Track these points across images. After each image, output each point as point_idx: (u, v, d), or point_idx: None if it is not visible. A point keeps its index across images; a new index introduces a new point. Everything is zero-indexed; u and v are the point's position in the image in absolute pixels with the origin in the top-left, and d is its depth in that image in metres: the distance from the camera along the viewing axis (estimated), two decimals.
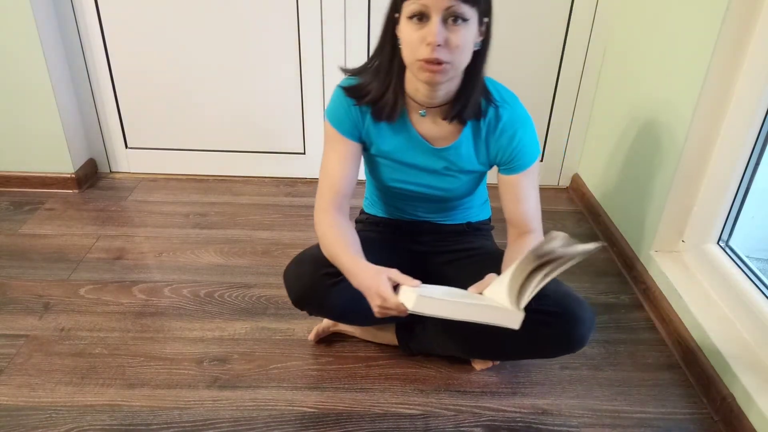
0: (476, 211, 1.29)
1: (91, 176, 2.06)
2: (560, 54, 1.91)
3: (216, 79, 1.93)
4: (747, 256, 1.37)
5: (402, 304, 0.92)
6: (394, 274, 0.96)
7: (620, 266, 1.69)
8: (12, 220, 1.80)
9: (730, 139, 1.34)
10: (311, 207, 1.94)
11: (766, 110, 1.27)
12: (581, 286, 1.59)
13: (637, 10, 1.68)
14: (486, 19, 0.97)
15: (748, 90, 1.28)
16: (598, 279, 1.64)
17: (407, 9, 0.93)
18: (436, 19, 0.91)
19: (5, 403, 1.16)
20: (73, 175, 1.96)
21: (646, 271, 1.55)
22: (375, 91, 1.05)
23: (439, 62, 0.93)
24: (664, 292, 1.46)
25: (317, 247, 1.14)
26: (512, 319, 0.88)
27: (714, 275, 1.39)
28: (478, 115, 1.06)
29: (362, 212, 1.35)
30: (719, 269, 1.38)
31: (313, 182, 2.11)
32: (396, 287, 0.96)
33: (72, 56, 1.88)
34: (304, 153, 2.09)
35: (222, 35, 1.86)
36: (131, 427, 1.12)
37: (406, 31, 0.95)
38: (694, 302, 1.36)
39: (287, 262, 1.16)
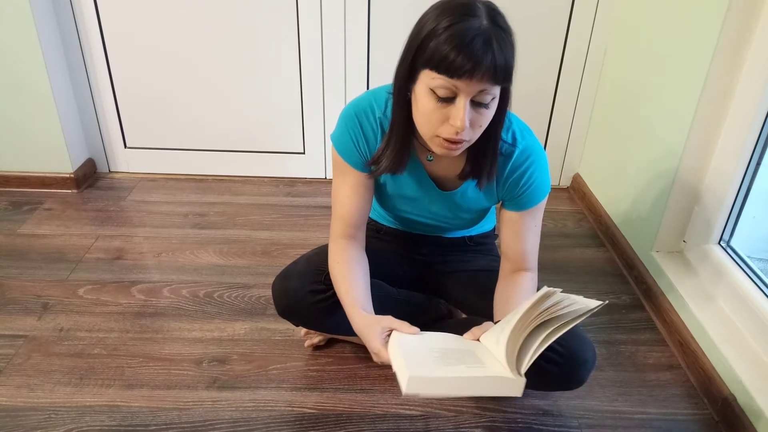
0: (479, 225, 1.27)
1: (89, 176, 2.05)
2: (561, 54, 1.90)
3: (215, 78, 1.93)
4: (748, 257, 1.37)
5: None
6: (387, 322, 0.94)
7: (621, 266, 1.68)
8: (11, 220, 1.80)
9: (731, 139, 1.34)
10: (311, 207, 1.95)
11: (767, 110, 1.26)
12: (582, 287, 1.59)
13: (637, 11, 1.68)
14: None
15: (749, 89, 1.27)
16: (598, 279, 1.63)
17: (430, 82, 0.83)
18: (464, 102, 0.82)
19: (4, 403, 1.16)
20: (72, 175, 1.95)
21: (647, 272, 1.54)
22: (388, 162, 0.97)
23: (460, 141, 0.87)
24: (665, 293, 1.45)
25: (306, 260, 1.14)
26: (514, 387, 0.83)
27: (715, 275, 1.39)
28: (492, 176, 0.99)
29: None
30: (720, 269, 1.37)
31: (313, 182, 2.11)
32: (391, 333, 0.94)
33: (71, 55, 1.88)
34: (304, 153, 2.08)
35: (221, 35, 1.85)
36: (130, 428, 1.11)
37: (424, 101, 0.85)
38: (695, 302, 1.36)
39: (287, 262, 1.16)
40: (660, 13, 1.55)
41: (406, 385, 0.79)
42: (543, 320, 0.81)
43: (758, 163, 1.32)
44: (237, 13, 1.82)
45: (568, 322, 0.81)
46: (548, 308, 0.79)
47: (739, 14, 1.24)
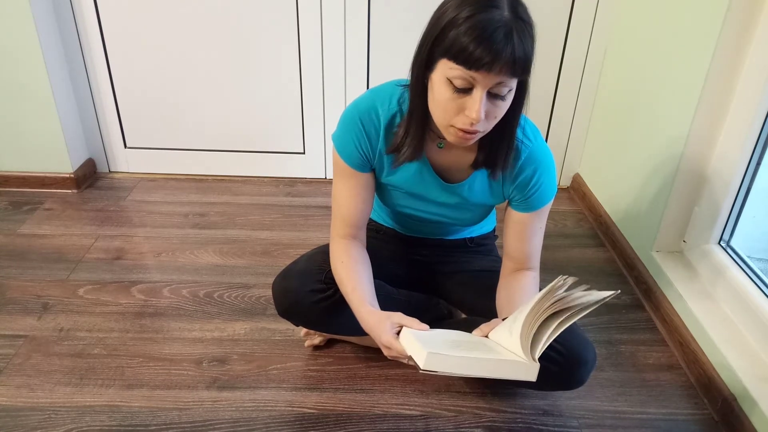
0: (480, 226, 1.27)
1: (89, 176, 2.05)
2: (561, 54, 1.90)
3: (215, 78, 1.93)
4: (748, 256, 1.37)
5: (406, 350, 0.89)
6: (398, 318, 0.94)
7: (621, 266, 1.68)
8: (11, 220, 1.80)
9: (731, 139, 1.34)
10: (311, 207, 1.95)
11: (767, 110, 1.26)
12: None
13: (637, 11, 1.68)
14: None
15: (750, 89, 1.27)
16: (599, 279, 1.63)
17: (448, 72, 0.82)
18: (480, 94, 0.81)
19: (4, 403, 1.16)
20: (72, 175, 1.95)
21: (647, 272, 1.54)
22: (410, 149, 0.97)
23: (474, 132, 0.86)
24: (665, 293, 1.45)
25: (306, 260, 1.14)
26: (528, 371, 0.84)
27: (715, 275, 1.39)
28: (507, 168, 0.99)
29: None
30: (720, 269, 1.37)
31: (312, 182, 2.11)
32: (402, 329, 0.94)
33: (71, 55, 1.88)
34: (304, 153, 2.08)
35: (222, 34, 1.85)
36: (130, 428, 1.11)
37: (441, 91, 0.84)
38: (695, 302, 1.35)
39: (287, 262, 1.16)
40: (660, 13, 1.55)
41: (424, 361, 0.81)
42: (555, 310, 0.81)
43: (758, 163, 1.32)
44: (237, 13, 1.82)
45: (579, 310, 0.81)
46: (562, 298, 0.79)
47: (739, 14, 1.24)
